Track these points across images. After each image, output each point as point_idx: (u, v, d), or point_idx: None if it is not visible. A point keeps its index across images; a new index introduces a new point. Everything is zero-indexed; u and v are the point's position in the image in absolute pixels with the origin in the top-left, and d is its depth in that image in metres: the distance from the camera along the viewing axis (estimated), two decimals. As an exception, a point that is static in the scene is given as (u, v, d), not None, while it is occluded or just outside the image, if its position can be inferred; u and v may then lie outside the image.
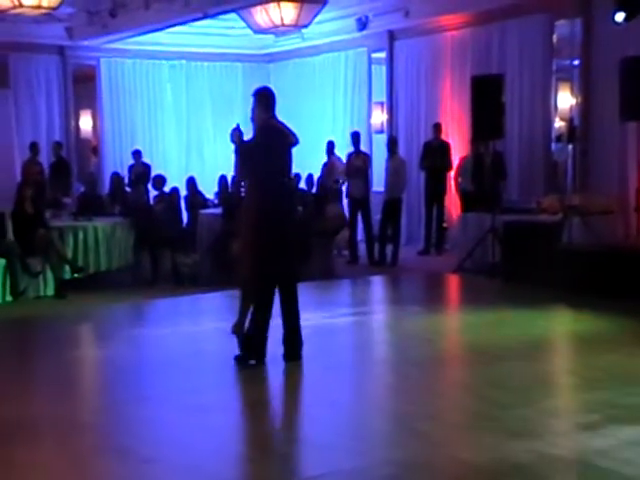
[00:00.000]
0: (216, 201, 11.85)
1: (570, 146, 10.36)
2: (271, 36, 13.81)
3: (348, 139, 12.91)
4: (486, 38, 11.54)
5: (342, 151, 12.93)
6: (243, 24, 12.29)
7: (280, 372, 5.80)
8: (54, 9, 10.90)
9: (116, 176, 12.43)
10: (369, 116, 13.67)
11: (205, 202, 11.85)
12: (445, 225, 11.82)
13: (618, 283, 7.95)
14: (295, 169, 11.22)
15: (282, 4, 11.32)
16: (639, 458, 4.10)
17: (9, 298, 8.86)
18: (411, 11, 12.17)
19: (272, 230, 5.69)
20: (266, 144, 5.73)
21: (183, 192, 11.78)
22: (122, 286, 9.71)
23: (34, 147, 12.94)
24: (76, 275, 9.48)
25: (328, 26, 13.15)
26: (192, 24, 12.73)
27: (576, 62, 10.51)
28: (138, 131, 14.66)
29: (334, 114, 14.30)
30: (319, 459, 4.21)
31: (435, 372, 5.96)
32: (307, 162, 11.84)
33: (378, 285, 10.22)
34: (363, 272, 10.55)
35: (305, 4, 11.46)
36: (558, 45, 10.82)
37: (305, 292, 8.20)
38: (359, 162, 11.47)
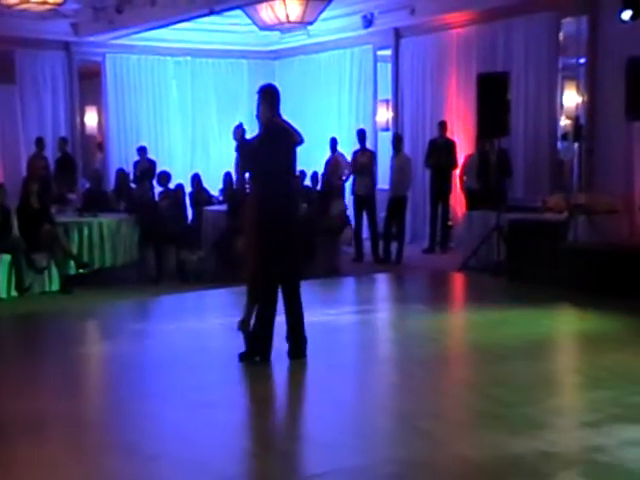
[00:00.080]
0: (221, 198, 11.86)
1: (576, 145, 10.33)
2: (276, 33, 13.80)
3: (354, 136, 12.92)
4: (492, 36, 11.51)
5: (347, 148, 12.93)
6: (248, 21, 12.28)
7: (284, 369, 5.80)
8: (60, 5, 10.93)
9: (121, 172, 12.45)
10: (374, 113, 13.65)
11: (210, 199, 11.86)
12: (450, 223, 11.81)
13: (623, 282, 7.94)
14: (300, 166, 11.25)
15: (288, 1, 11.31)
16: (643, 458, 4.10)
17: (14, 293, 8.89)
18: (417, 9, 12.15)
19: (276, 229, 5.69)
20: (270, 143, 5.73)
21: (188, 189, 11.79)
22: (127, 282, 9.72)
23: (40, 142, 12.97)
24: (81, 271, 9.50)
25: (334, 23, 13.13)
26: (197, 20, 12.72)
27: (582, 60, 10.48)
28: (143, 127, 14.67)
29: (339, 111, 14.29)
30: (322, 457, 4.21)
31: (439, 371, 5.96)
32: (312, 159, 11.85)
33: (383, 283, 10.22)
34: (368, 270, 10.55)
35: (311, 1, 11.44)
36: (564, 43, 10.78)
37: (310, 290, 8.23)
38: (365, 159, 11.47)
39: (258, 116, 5.84)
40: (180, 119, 15.05)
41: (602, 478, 3.93)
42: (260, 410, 5.17)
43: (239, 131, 5.82)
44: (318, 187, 11.51)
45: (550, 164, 10.91)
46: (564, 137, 11.00)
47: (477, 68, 11.28)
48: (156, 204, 10.96)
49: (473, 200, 10.84)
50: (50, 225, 9.33)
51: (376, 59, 13.62)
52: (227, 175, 11.71)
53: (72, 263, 9.43)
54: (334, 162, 11.99)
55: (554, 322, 7.44)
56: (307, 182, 11.59)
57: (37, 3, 10.57)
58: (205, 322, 7.48)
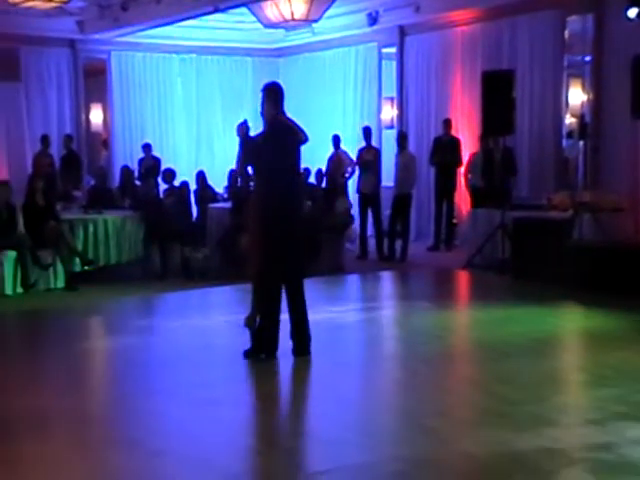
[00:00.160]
0: (226, 195, 11.87)
1: (581, 142, 10.31)
2: (281, 30, 13.79)
3: (358, 134, 12.91)
4: (497, 33, 11.49)
5: (352, 146, 12.92)
6: (253, 18, 12.27)
7: (289, 367, 5.81)
8: (65, 2, 10.94)
9: (126, 169, 12.47)
10: (379, 111, 13.64)
11: (215, 196, 11.86)
12: (455, 221, 11.80)
13: (628, 280, 7.93)
14: (305, 164, 11.27)
15: (293, -2, 11.30)
16: (648, 456, 4.10)
17: (20, 290, 8.91)
18: (422, 6, 12.13)
19: (279, 226, 5.69)
20: (275, 141, 5.74)
21: (193, 186, 11.80)
22: (132, 279, 9.74)
23: (45, 140, 13.00)
24: (86, 268, 9.52)
25: (338, 21, 13.12)
26: (202, 18, 12.73)
27: (588, 58, 10.46)
28: (148, 125, 14.69)
29: (344, 109, 14.28)
30: (327, 454, 4.22)
31: (444, 368, 5.96)
32: (317, 157, 11.85)
33: (387, 281, 10.22)
34: (372, 267, 10.55)
35: (316, -2, 11.43)
36: (569, 41, 10.76)
37: (314, 287, 8.25)
38: (370, 157, 11.46)
39: (262, 113, 5.84)
40: (185, 116, 15.06)
41: (607, 476, 3.93)
42: (265, 407, 5.18)
43: (243, 128, 5.83)
44: (323, 185, 11.51)
45: (555, 162, 10.90)
46: (569, 135, 10.98)
47: (482, 66, 11.26)
48: (161, 201, 10.97)
49: (478, 198, 10.83)
50: (55, 222, 9.35)
51: (381, 57, 13.61)
52: (232, 172, 11.71)
53: (77, 260, 9.45)
54: (337, 159, 11.99)
55: (559, 320, 7.43)
56: (311, 180, 11.59)
57: (43, 1, 10.60)
58: (210, 319, 7.49)
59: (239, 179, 11.28)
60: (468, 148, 11.61)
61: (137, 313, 8.24)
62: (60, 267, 9.22)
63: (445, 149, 11.52)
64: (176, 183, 11.27)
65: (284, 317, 5.87)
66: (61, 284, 9.22)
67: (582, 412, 5.00)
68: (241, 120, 5.89)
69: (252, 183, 6.12)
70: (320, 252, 9.81)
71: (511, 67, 10.60)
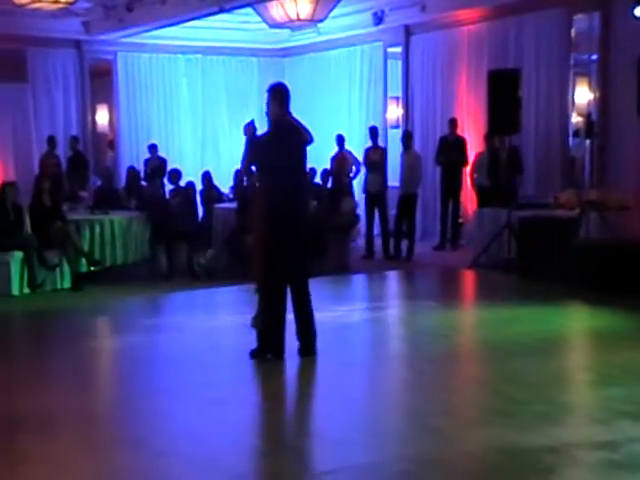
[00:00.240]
0: (231, 195, 11.88)
1: (587, 141, 10.28)
2: (287, 30, 13.78)
3: (364, 134, 12.91)
4: (503, 32, 11.47)
5: (357, 146, 12.92)
6: (259, 18, 12.27)
7: (295, 367, 5.81)
8: (71, 4, 10.96)
9: (132, 170, 12.49)
10: (385, 111, 13.63)
11: (220, 196, 11.88)
12: (461, 220, 11.78)
13: (635, 279, 7.90)
14: (310, 164, 11.26)
15: (298, -2, 11.30)
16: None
17: (26, 290, 8.94)
18: (427, 5, 12.12)
19: (284, 225, 5.69)
20: (280, 140, 5.73)
21: (199, 186, 11.81)
22: (138, 279, 9.76)
23: (51, 141, 13.04)
24: (92, 268, 9.54)
25: (344, 20, 13.11)
26: (208, 18, 12.73)
27: (594, 57, 10.42)
28: (154, 125, 14.71)
29: (349, 109, 14.27)
30: (333, 454, 4.21)
31: (450, 368, 5.95)
32: (322, 157, 11.84)
33: (393, 280, 10.21)
34: (378, 267, 10.54)
35: (321, -2, 11.43)
36: (576, 40, 10.72)
37: (321, 287, 8.25)
38: (376, 157, 11.46)
39: (268, 113, 5.85)
40: (191, 117, 15.08)
41: (614, 475, 3.92)
42: (271, 407, 5.18)
43: (250, 128, 5.83)
44: (328, 185, 11.50)
45: (561, 161, 10.87)
46: (576, 134, 10.95)
47: (488, 65, 11.24)
48: (167, 202, 10.99)
49: (484, 197, 10.81)
50: (62, 223, 9.37)
51: (386, 56, 13.59)
52: (237, 172, 11.73)
53: (84, 260, 9.47)
54: (341, 158, 11.97)
55: (565, 319, 7.42)
56: (317, 179, 11.59)
57: (49, 2, 10.61)
58: (216, 319, 7.50)
59: (245, 179, 11.30)
60: (474, 147, 11.59)
61: (143, 313, 8.26)
62: (66, 267, 9.24)
63: (451, 148, 11.50)
64: (182, 183, 11.29)
65: (290, 317, 5.87)
66: (67, 284, 9.24)
67: (588, 411, 4.99)
68: (248, 120, 5.90)
69: (257, 183, 6.12)
70: (326, 252, 9.81)
71: (517, 66, 10.57)
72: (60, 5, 10.85)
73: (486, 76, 10.27)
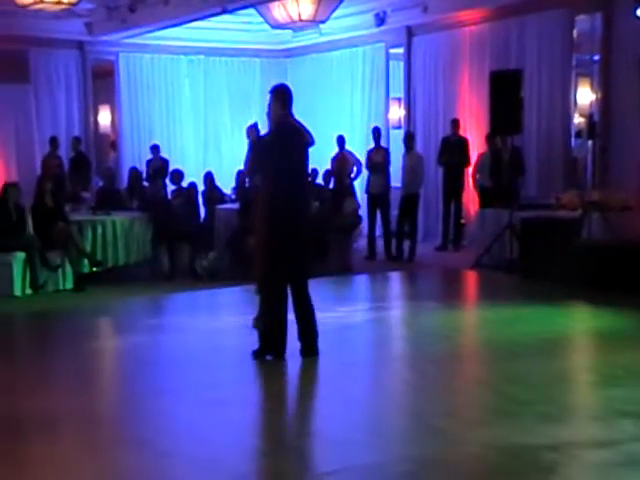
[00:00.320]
0: (233, 196, 11.88)
1: (590, 142, 10.28)
2: (289, 31, 13.81)
3: (366, 135, 12.91)
4: (505, 33, 11.47)
5: (360, 146, 12.93)
6: (261, 19, 12.29)
7: (297, 367, 5.80)
8: (74, 4, 10.96)
9: (134, 171, 12.50)
10: (387, 112, 13.63)
11: (222, 197, 11.88)
12: (463, 221, 11.78)
13: (638, 279, 7.90)
14: (312, 165, 11.24)
15: (300, -1, 11.31)
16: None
17: (29, 291, 8.94)
18: (429, 6, 12.12)
19: (285, 227, 5.69)
20: (282, 141, 5.74)
21: (201, 187, 11.82)
22: (140, 280, 9.76)
23: (54, 141, 13.05)
24: (95, 269, 9.54)
25: (346, 21, 13.12)
26: (210, 19, 12.75)
27: (596, 58, 10.42)
28: (156, 126, 14.72)
29: (351, 110, 14.28)
30: (335, 454, 4.21)
31: (452, 368, 5.95)
32: (324, 158, 11.84)
33: (395, 281, 10.21)
34: (380, 268, 10.54)
35: (323, -1, 11.44)
36: (578, 40, 10.72)
37: (323, 288, 8.26)
38: (379, 158, 11.45)
39: (269, 115, 5.85)
40: (193, 118, 15.09)
41: (617, 476, 3.91)
42: (273, 408, 5.18)
43: (253, 130, 5.84)
44: (330, 185, 11.50)
45: (564, 162, 10.87)
46: (578, 134, 10.95)
47: (490, 66, 11.24)
48: (169, 202, 10.99)
49: (486, 198, 10.81)
50: (64, 223, 9.38)
51: (388, 57, 13.60)
52: (239, 173, 11.73)
53: (86, 261, 9.47)
54: (341, 159, 11.96)
55: (568, 320, 7.41)
56: (319, 180, 11.58)
57: (52, 3, 10.62)
58: (218, 320, 7.50)
59: (247, 180, 11.31)
60: (476, 148, 11.59)
61: (145, 314, 8.26)
62: (69, 268, 9.25)
63: (453, 149, 11.50)
64: (184, 184, 11.29)
65: (292, 318, 5.87)
66: (70, 285, 9.25)
67: (591, 412, 4.99)
68: (251, 122, 5.91)
69: (259, 184, 6.12)
70: (328, 252, 9.81)
71: (519, 67, 10.57)
72: (63, 6, 10.87)
73: (488, 77, 10.27)
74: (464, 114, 12.08)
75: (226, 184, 12.28)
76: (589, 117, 10.32)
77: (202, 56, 15.09)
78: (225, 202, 11.62)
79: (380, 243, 11.39)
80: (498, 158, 10.58)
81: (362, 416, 4.92)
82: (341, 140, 12.11)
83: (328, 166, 11.87)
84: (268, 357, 5.83)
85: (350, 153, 12.14)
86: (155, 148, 13.21)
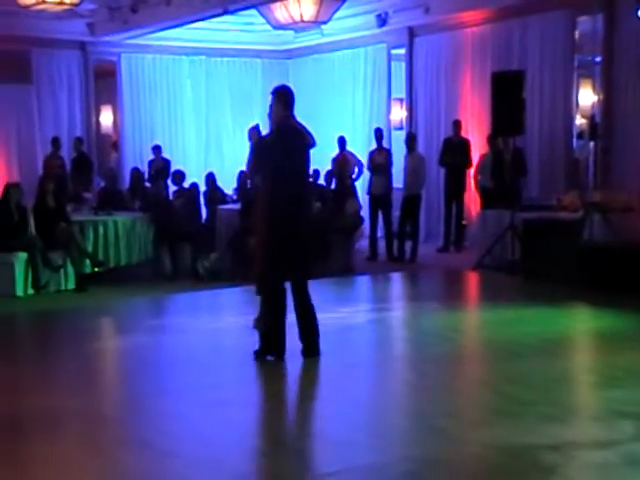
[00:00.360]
0: (235, 197, 11.89)
1: (591, 143, 10.28)
2: (290, 32, 13.82)
3: (367, 135, 12.91)
4: (507, 34, 11.47)
5: (361, 147, 12.93)
6: (263, 20, 12.30)
7: (299, 368, 5.81)
8: (76, 5, 10.98)
9: (136, 171, 12.51)
10: (388, 112, 13.64)
11: (224, 198, 11.89)
12: (464, 222, 11.78)
13: (639, 281, 7.89)
14: (314, 165, 11.23)
15: (302, 0, 11.32)
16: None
17: (30, 291, 8.95)
18: (431, 7, 12.13)
19: (285, 227, 5.69)
20: (282, 143, 5.75)
21: (202, 188, 11.82)
22: (142, 280, 9.76)
23: (56, 142, 13.06)
24: (96, 269, 9.56)
25: (348, 22, 13.13)
26: (212, 20, 12.76)
27: (598, 59, 10.42)
28: (158, 126, 14.73)
29: (353, 110, 14.28)
30: (337, 455, 4.21)
31: (454, 369, 5.95)
32: (326, 159, 11.84)
33: (397, 282, 10.21)
34: (382, 269, 10.54)
35: (324, 0, 11.44)
36: (580, 41, 10.73)
37: (325, 288, 8.27)
38: (381, 159, 11.45)
39: (270, 116, 5.86)
40: (194, 118, 15.10)
41: (615, 477, 3.92)
42: (274, 408, 5.18)
43: (255, 132, 5.85)
44: (332, 186, 11.50)
45: (565, 163, 10.87)
46: (580, 136, 10.95)
47: (492, 67, 11.25)
48: (170, 203, 11.00)
49: (487, 199, 10.81)
50: (66, 224, 9.39)
51: (390, 58, 13.60)
52: (241, 174, 11.74)
53: (87, 261, 9.48)
54: (342, 160, 11.96)
55: (569, 321, 7.41)
56: (321, 181, 11.59)
57: (54, 3, 10.63)
58: (220, 320, 7.50)
59: (249, 181, 11.31)
60: (478, 149, 11.59)
61: (147, 314, 8.27)
62: (70, 268, 9.25)
63: (455, 150, 11.51)
64: (185, 185, 11.30)
65: (292, 318, 5.88)
66: (71, 285, 9.25)
67: (592, 413, 4.98)
68: (253, 124, 5.91)
69: (260, 184, 6.13)
70: (330, 253, 9.81)
71: (521, 68, 10.57)
72: (65, 6, 10.88)
73: (490, 78, 10.27)
74: (466, 115, 12.09)
75: (228, 185, 12.29)
76: (591, 118, 10.32)
77: (204, 57, 15.10)
78: (227, 203, 11.63)
79: (382, 244, 11.39)
80: (500, 159, 10.58)
81: (363, 417, 4.92)
82: (342, 141, 12.10)
83: (329, 167, 11.87)
84: (269, 358, 5.84)
85: (351, 154, 12.14)
86: (157, 149, 13.22)
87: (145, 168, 13.01)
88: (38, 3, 10.59)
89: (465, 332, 7.31)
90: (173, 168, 12.15)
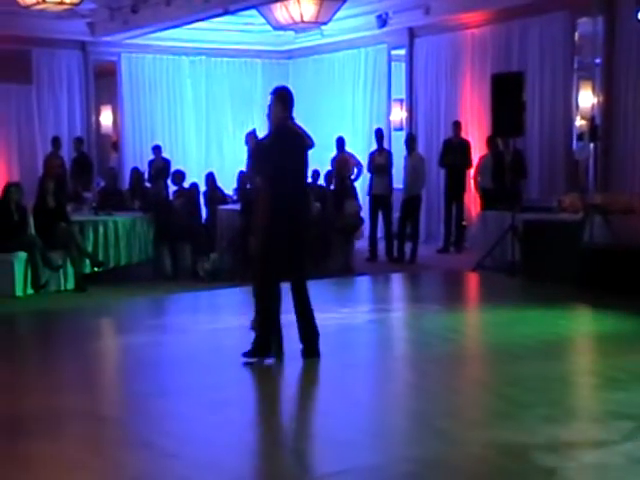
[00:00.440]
0: (235, 197, 11.89)
1: (591, 145, 10.28)
2: (291, 32, 13.83)
3: (367, 136, 12.91)
4: (507, 35, 11.48)
5: (361, 148, 12.93)
6: (263, 20, 12.31)
7: (299, 369, 5.81)
8: (76, 5, 10.98)
9: (135, 171, 12.51)
10: (388, 113, 13.65)
11: (224, 198, 11.89)
12: (464, 223, 11.79)
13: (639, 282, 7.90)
14: (314, 166, 11.23)
15: (302, 1, 11.32)
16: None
17: (30, 291, 8.95)
18: (431, 8, 12.14)
19: (283, 229, 5.68)
20: (281, 144, 5.75)
21: (202, 187, 11.82)
22: (142, 280, 9.76)
23: (56, 141, 13.06)
24: (96, 269, 9.56)
25: (348, 23, 13.13)
26: (212, 20, 12.77)
27: (598, 60, 10.43)
28: (158, 126, 14.74)
29: (353, 111, 14.29)
30: (337, 455, 4.21)
31: (454, 370, 5.95)
32: (325, 159, 11.84)
33: (397, 282, 10.21)
34: (382, 269, 10.54)
35: (325, 1, 11.45)
36: (580, 43, 10.74)
37: (324, 289, 8.27)
38: (382, 160, 11.45)
39: (269, 116, 5.86)
40: (195, 118, 15.10)
41: (616, 479, 3.92)
42: (274, 409, 5.18)
43: (252, 137, 5.85)
44: (331, 186, 11.50)
45: (565, 164, 10.88)
46: (580, 137, 10.95)
47: (492, 68, 11.26)
48: (170, 203, 11.00)
49: (487, 200, 10.82)
50: (66, 224, 9.39)
51: (390, 59, 13.61)
52: (241, 174, 11.73)
53: (87, 261, 9.48)
54: (340, 160, 11.96)
55: (570, 322, 7.41)
56: (321, 181, 11.59)
57: (54, 3, 10.64)
58: (220, 320, 7.50)
59: (248, 184, 11.32)
60: (478, 150, 11.60)
61: (147, 314, 8.26)
62: (70, 268, 9.25)
63: (455, 151, 11.51)
64: (186, 185, 11.30)
65: (292, 319, 5.88)
66: (71, 285, 9.26)
67: (593, 414, 4.98)
68: (250, 129, 5.93)
69: (259, 185, 6.13)
70: (330, 253, 9.82)
71: (521, 69, 10.59)
72: (65, 6, 10.89)
73: (490, 79, 10.28)
74: (466, 116, 12.09)
75: (228, 185, 12.29)
76: (591, 120, 10.32)
77: (204, 57, 15.10)
78: (227, 203, 11.63)
79: (381, 245, 11.39)
80: (500, 160, 10.59)
81: (363, 417, 4.92)
82: (340, 141, 12.10)
83: (329, 168, 11.87)
84: (254, 359, 5.79)
85: (350, 155, 12.13)
86: (157, 149, 13.22)
87: (145, 168, 13.01)
88: (38, 3, 10.60)
89: (465, 333, 7.31)
90: (173, 168, 12.15)
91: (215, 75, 15.27)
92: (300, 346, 5.88)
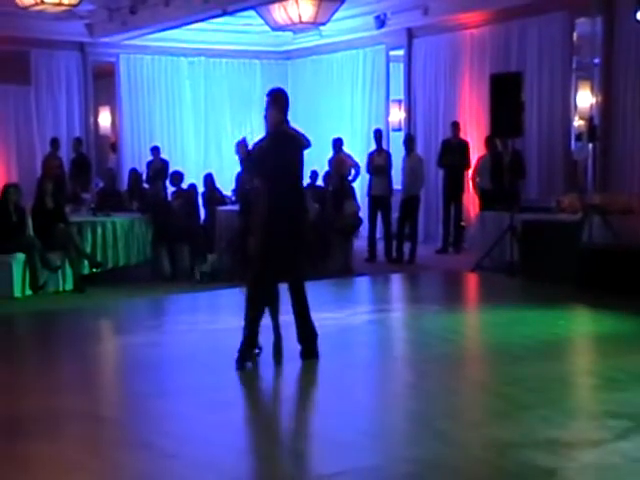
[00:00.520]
0: (233, 198, 11.88)
1: (590, 145, 10.28)
2: (289, 33, 13.82)
3: (366, 137, 12.90)
4: (506, 36, 11.48)
5: (360, 149, 12.93)
6: (261, 21, 12.30)
7: (298, 370, 5.80)
8: (75, 6, 10.97)
9: (134, 172, 12.50)
10: (387, 114, 13.65)
11: (223, 199, 11.88)
12: (463, 223, 11.78)
13: (639, 282, 7.89)
14: (313, 167, 11.23)
15: (300, 1, 11.32)
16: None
17: (29, 292, 8.94)
18: (430, 8, 12.14)
19: (280, 229, 5.68)
20: (277, 147, 5.76)
21: (201, 188, 11.81)
22: (140, 281, 9.76)
23: (54, 142, 13.06)
24: (95, 270, 9.55)
25: (346, 23, 13.13)
26: (211, 21, 12.77)
27: (596, 61, 10.43)
28: (156, 127, 14.73)
29: (352, 112, 14.28)
30: (336, 456, 4.20)
31: (453, 370, 5.95)
32: (324, 160, 11.84)
33: (396, 283, 10.21)
34: (381, 270, 10.54)
35: (323, 1, 11.45)
36: (578, 43, 10.75)
37: (324, 289, 8.27)
38: (381, 160, 11.45)
39: (266, 117, 5.86)
40: (193, 119, 15.10)
41: (618, 479, 3.91)
42: (274, 410, 5.18)
43: (242, 146, 5.86)
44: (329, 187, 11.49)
45: (564, 164, 10.88)
46: (578, 137, 10.96)
47: (490, 68, 11.26)
48: (169, 204, 11.00)
49: (486, 200, 10.82)
50: (64, 224, 9.38)
51: (389, 59, 13.62)
52: (239, 175, 11.72)
53: (86, 262, 9.47)
54: (337, 161, 11.94)
55: (569, 323, 7.41)
56: (319, 182, 11.58)
57: (52, 4, 10.64)
58: (219, 321, 7.49)
59: (247, 186, 11.30)
60: (476, 151, 11.60)
61: (146, 315, 8.26)
62: (69, 269, 9.24)
63: (454, 152, 11.51)
64: (184, 186, 11.29)
65: (291, 319, 5.87)
66: (70, 286, 9.25)
67: (592, 415, 4.98)
68: (240, 138, 5.95)
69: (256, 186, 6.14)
70: (329, 254, 9.81)
71: (520, 69, 10.59)
72: (64, 7, 10.88)
73: (488, 79, 10.28)
74: (464, 116, 12.10)
75: (226, 186, 12.27)
76: (589, 120, 10.32)
77: (203, 58, 15.10)
78: (225, 203, 11.62)
79: (380, 245, 11.39)
80: (498, 161, 10.59)
81: (363, 418, 4.91)
82: (336, 142, 12.05)
83: (326, 168, 11.85)
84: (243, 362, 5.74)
85: (347, 155, 12.12)
86: (155, 149, 13.21)
87: (143, 169, 13.00)
88: (37, 4, 10.59)
89: (464, 333, 7.30)
90: (171, 169, 12.14)
91: (214, 76, 15.27)
92: (299, 347, 5.87)
